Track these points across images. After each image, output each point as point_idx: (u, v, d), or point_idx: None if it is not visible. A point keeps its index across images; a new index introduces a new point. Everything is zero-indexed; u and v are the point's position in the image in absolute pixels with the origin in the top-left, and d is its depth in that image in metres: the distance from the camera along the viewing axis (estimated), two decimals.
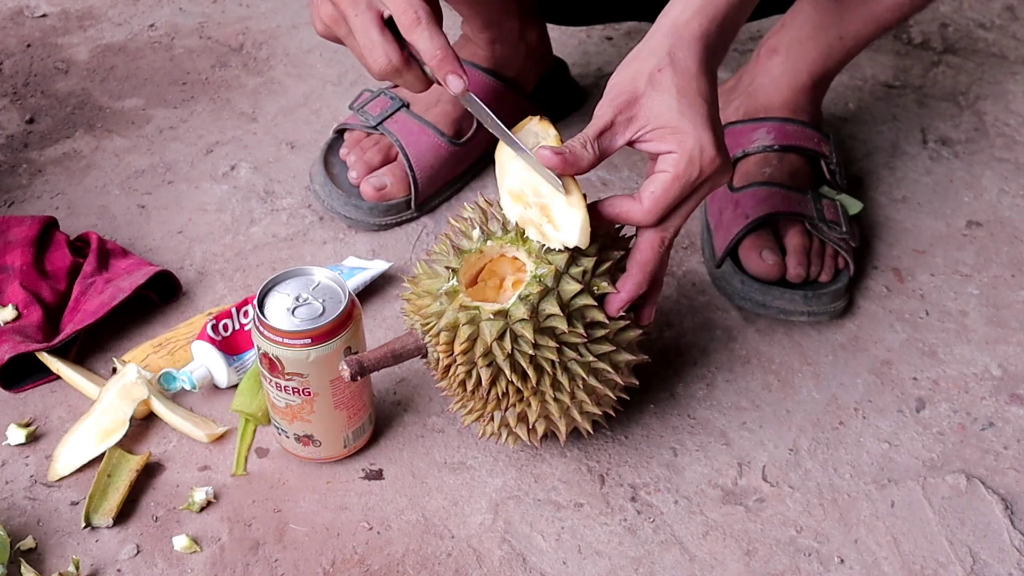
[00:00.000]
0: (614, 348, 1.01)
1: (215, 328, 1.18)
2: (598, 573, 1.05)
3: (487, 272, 1.01)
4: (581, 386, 1.01)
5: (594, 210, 0.97)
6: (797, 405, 1.20)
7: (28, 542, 1.06)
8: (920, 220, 1.42)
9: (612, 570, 1.05)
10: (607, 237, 1.01)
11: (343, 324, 1.03)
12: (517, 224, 0.98)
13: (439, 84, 1.01)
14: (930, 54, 1.69)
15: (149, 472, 1.13)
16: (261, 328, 1.03)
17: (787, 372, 1.23)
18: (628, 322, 1.02)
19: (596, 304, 0.98)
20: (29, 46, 1.71)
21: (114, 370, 1.17)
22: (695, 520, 1.09)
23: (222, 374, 1.18)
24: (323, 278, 1.06)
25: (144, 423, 1.17)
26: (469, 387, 1.01)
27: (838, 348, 1.26)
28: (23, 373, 1.20)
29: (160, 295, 1.29)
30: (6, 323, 1.22)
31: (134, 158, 1.50)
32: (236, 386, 1.15)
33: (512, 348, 0.96)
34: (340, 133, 1.44)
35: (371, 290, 1.30)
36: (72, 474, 1.12)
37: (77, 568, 1.04)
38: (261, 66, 1.66)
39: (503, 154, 1.01)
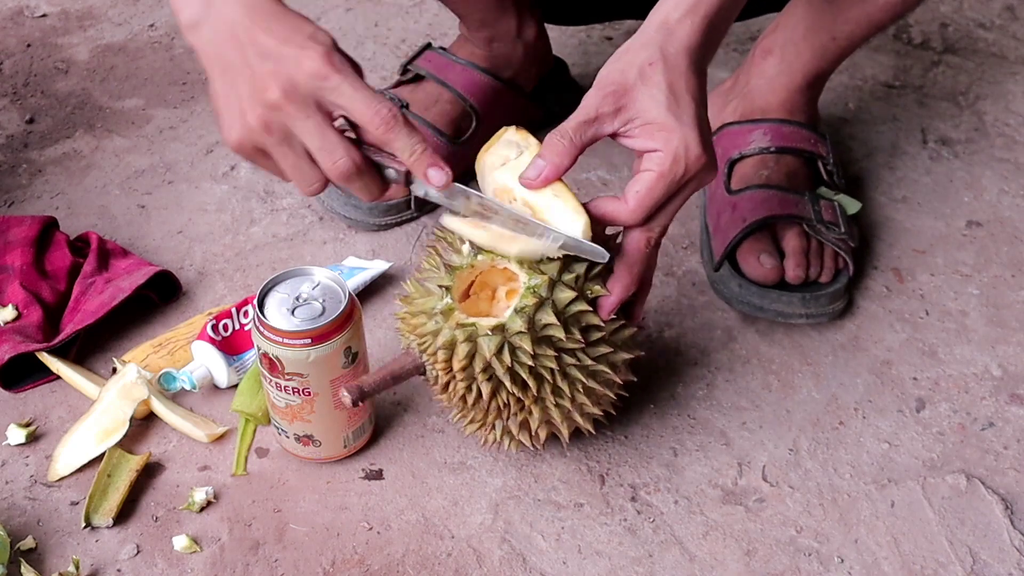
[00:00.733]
0: (611, 349, 1.01)
1: (215, 328, 1.18)
2: (598, 573, 1.05)
3: (478, 284, 1.00)
4: (581, 389, 1.01)
5: None
6: (797, 405, 1.20)
7: (28, 542, 1.06)
8: (920, 220, 1.42)
9: (612, 570, 1.05)
10: (596, 239, 1.00)
11: (343, 324, 1.03)
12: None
13: (405, 185, 0.96)
14: (930, 54, 1.69)
15: (149, 472, 1.13)
16: (261, 328, 1.03)
17: (787, 372, 1.23)
18: (623, 322, 1.02)
19: (591, 308, 0.98)
20: (29, 46, 1.71)
21: (114, 370, 1.17)
22: (695, 520, 1.09)
23: (222, 374, 1.18)
24: (323, 278, 1.06)
25: (144, 423, 1.17)
26: (470, 401, 1.01)
27: (838, 348, 1.26)
28: (23, 373, 1.20)
29: (160, 295, 1.29)
30: (6, 323, 1.22)
31: (134, 158, 1.50)
32: (236, 386, 1.14)
33: (512, 361, 0.96)
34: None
35: (371, 290, 1.30)
36: (72, 474, 1.12)
37: (77, 568, 1.04)
38: None
39: (484, 163, 1.00)
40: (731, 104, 1.38)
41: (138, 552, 1.06)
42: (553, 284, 0.96)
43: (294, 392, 1.05)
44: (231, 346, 1.19)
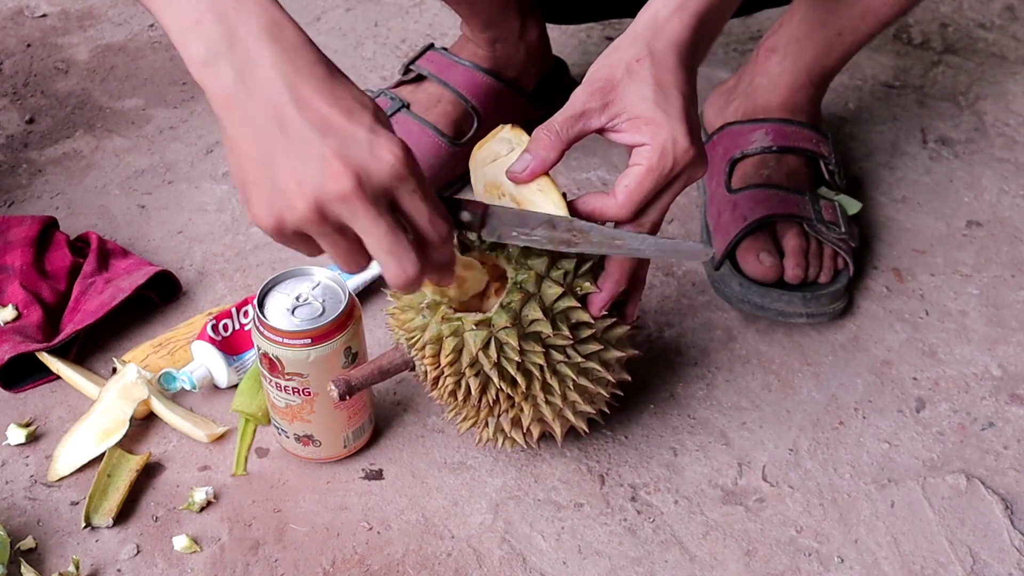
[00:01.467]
0: (603, 347, 1.00)
1: (215, 328, 1.18)
2: (598, 573, 1.05)
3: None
4: (572, 387, 1.01)
5: (570, 208, 0.96)
6: (797, 405, 1.20)
7: (28, 542, 1.06)
8: (920, 220, 1.42)
9: (612, 570, 1.05)
10: None
11: (343, 324, 1.03)
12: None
13: (480, 228, 0.93)
14: (930, 54, 1.69)
15: (149, 472, 1.13)
16: (261, 328, 1.03)
17: (787, 372, 1.23)
18: (614, 320, 1.02)
19: (580, 305, 0.98)
20: (29, 46, 1.71)
21: (114, 370, 1.17)
22: (695, 520, 1.09)
23: (222, 374, 1.18)
24: (323, 278, 1.06)
25: (144, 423, 1.17)
26: (460, 396, 1.01)
27: (838, 348, 1.26)
28: (23, 373, 1.20)
29: (160, 295, 1.29)
30: (6, 323, 1.22)
31: (134, 158, 1.51)
32: (236, 386, 1.15)
33: (498, 356, 0.96)
34: None
35: (371, 290, 1.30)
36: (72, 474, 1.12)
37: (77, 568, 1.04)
38: None
39: (477, 159, 1.00)
40: (733, 104, 1.38)
41: (138, 552, 1.06)
42: (540, 280, 0.96)
43: (294, 392, 1.05)
44: (231, 346, 1.19)
